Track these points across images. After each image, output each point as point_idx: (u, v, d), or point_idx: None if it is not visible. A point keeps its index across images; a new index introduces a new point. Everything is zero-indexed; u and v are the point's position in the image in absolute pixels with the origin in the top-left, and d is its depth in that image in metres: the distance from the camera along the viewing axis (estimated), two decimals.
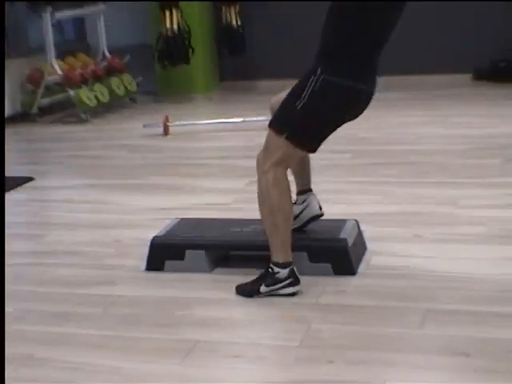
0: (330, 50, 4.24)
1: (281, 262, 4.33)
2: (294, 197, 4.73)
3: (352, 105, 4.29)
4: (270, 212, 4.32)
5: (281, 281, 4.32)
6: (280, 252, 4.34)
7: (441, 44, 10.68)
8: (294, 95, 4.23)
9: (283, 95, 4.40)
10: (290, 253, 4.36)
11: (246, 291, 4.42)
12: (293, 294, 4.33)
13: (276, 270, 4.32)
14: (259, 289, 4.37)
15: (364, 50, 4.24)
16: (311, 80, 4.12)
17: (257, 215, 4.43)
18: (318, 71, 4.12)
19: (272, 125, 4.31)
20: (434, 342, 3.66)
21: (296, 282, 4.34)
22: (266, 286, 4.36)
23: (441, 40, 10.66)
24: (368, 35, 4.21)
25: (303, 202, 4.79)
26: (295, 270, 4.35)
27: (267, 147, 4.34)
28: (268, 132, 4.33)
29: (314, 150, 4.39)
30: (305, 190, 4.83)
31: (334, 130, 4.32)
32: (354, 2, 4.05)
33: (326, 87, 4.12)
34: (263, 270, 4.40)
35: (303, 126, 4.24)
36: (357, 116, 4.35)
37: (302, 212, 4.77)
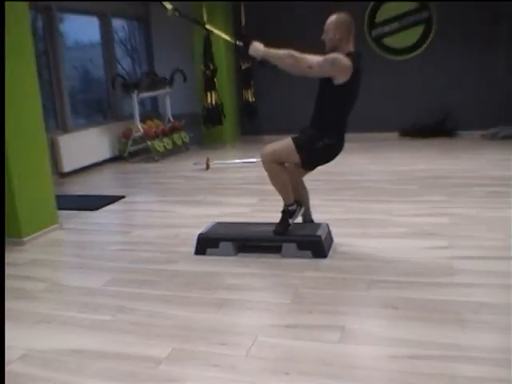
0: (326, 120, 4.45)
1: (289, 202, 4.65)
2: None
3: (334, 152, 4.55)
4: (278, 181, 4.61)
5: (294, 210, 4.69)
6: (288, 197, 4.66)
7: (379, 112, 10.65)
8: (314, 139, 4.43)
9: (270, 145, 4.65)
10: (292, 196, 4.67)
11: (279, 231, 4.69)
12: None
13: (289, 207, 4.66)
14: (288, 221, 4.69)
15: (344, 119, 4.50)
16: (322, 141, 4.39)
17: (263, 220, 4.62)
18: (326, 139, 4.39)
19: (298, 143, 4.47)
20: (375, 300, 3.85)
21: (301, 207, 4.78)
22: (289, 217, 4.68)
23: (379, 110, 10.63)
24: (345, 109, 4.46)
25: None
26: (298, 201, 4.74)
27: (278, 149, 4.58)
28: (288, 141, 4.53)
29: (308, 169, 4.77)
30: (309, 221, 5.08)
31: (323, 164, 4.66)
32: (339, 91, 4.24)
33: (328, 147, 4.44)
34: (282, 212, 4.71)
35: (312, 156, 4.50)
36: (334, 158, 4.63)
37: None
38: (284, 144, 4.53)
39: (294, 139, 4.49)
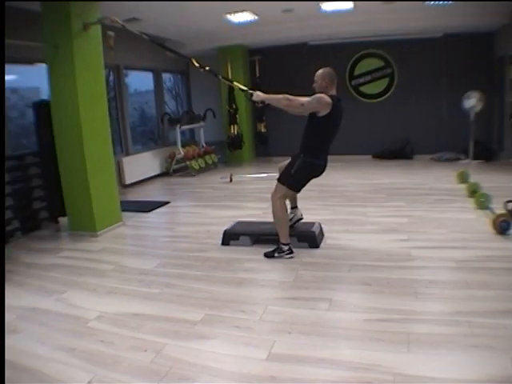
0: (308, 144, 4.40)
1: (284, 242, 4.51)
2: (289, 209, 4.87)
3: (315, 172, 4.47)
4: (278, 218, 4.52)
5: (284, 251, 4.50)
6: (284, 237, 4.51)
7: (357, 140, 10.65)
8: (289, 166, 4.42)
9: (283, 163, 4.61)
10: (288, 238, 4.52)
11: (269, 255, 4.53)
12: (290, 258, 4.44)
13: (282, 246, 4.50)
14: (274, 254, 4.52)
15: (324, 145, 4.44)
16: (299, 159, 4.35)
17: (272, 220, 4.55)
18: (302, 155, 4.35)
19: (279, 180, 4.50)
20: (354, 279, 3.87)
21: (291, 252, 4.50)
22: (278, 253, 4.51)
23: (357, 138, 10.63)
24: (327, 136, 4.42)
25: (293, 212, 4.91)
26: (291, 246, 4.51)
27: (276, 190, 4.51)
28: (277, 183, 4.52)
29: (298, 191, 4.62)
30: (294, 206, 4.95)
31: (306, 183, 4.51)
32: (322, 121, 4.23)
33: (305, 163, 4.34)
34: (276, 246, 4.54)
35: (294, 181, 4.44)
36: (318, 176, 4.51)
37: (293, 217, 4.88)
38: (277, 187, 4.50)
39: (278, 180, 4.52)
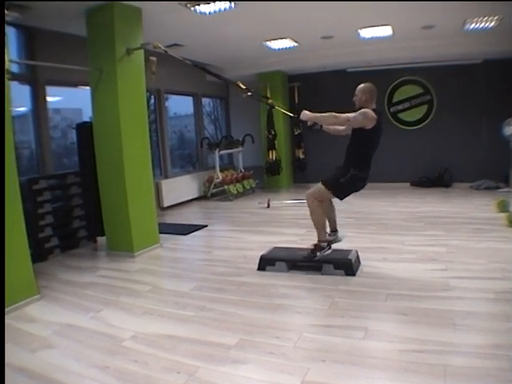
0: (355, 158, 4.45)
1: (322, 239, 4.65)
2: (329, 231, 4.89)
3: (361, 184, 4.52)
4: (315, 217, 4.61)
5: (323, 248, 4.64)
6: (321, 235, 4.65)
7: (396, 168, 10.60)
8: (339, 175, 4.46)
9: (311, 190, 4.67)
10: (326, 234, 4.69)
11: (310, 257, 4.67)
12: (329, 251, 4.66)
13: (321, 243, 4.65)
14: (316, 254, 4.65)
15: (369, 157, 4.49)
16: (350, 173, 4.38)
17: (308, 246, 4.56)
18: (352, 170, 4.39)
19: (324, 182, 4.54)
20: (390, 308, 3.79)
21: (330, 247, 4.69)
22: (318, 251, 4.65)
23: (396, 166, 10.58)
24: (372, 149, 4.48)
25: (333, 235, 4.88)
26: (329, 241, 4.72)
27: (315, 191, 4.59)
28: (320, 185, 4.56)
29: (342, 199, 4.62)
30: (334, 230, 4.92)
31: (352, 193, 4.57)
32: (367, 135, 4.30)
33: (355, 177, 4.40)
34: (314, 244, 4.71)
35: (341, 188, 4.49)
36: (360, 190, 4.57)
37: (334, 239, 4.87)
38: (318, 187, 4.56)
39: (322, 182, 4.56)
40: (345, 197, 4.59)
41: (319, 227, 4.65)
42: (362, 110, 4.26)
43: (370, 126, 4.25)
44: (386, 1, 6.04)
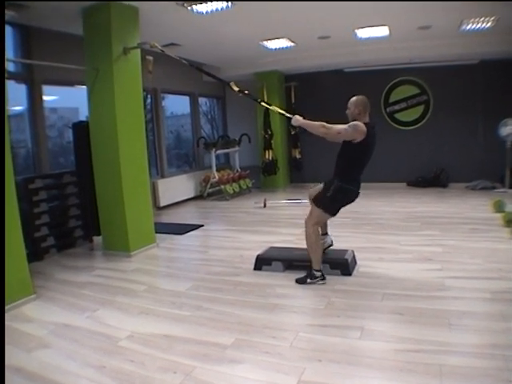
0: (342, 170, 4.40)
1: (316, 268, 4.48)
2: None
3: (350, 197, 4.44)
4: (311, 244, 4.48)
5: (316, 277, 4.47)
6: (316, 263, 4.48)
7: (392, 168, 10.62)
8: (325, 190, 4.40)
9: (313, 190, 4.66)
10: (320, 264, 4.49)
11: (301, 281, 4.50)
12: (322, 284, 4.40)
13: (314, 272, 4.48)
14: (306, 280, 4.48)
15: (358, 171, 4.44)
16: (334, 184, 4.32)
17: (305, 246, 4.53)
18: (336, 181, 4.33)
19: (315, 202, 4.47)
20: (386, 308, 3.80)
21: (324, 278, 4.47)
22: (310, 279, 4.47)
23: (392, 166, 10.60)
24: (361, 163, 4.42)
25: (322, 239, 4.81)
26: (323, 273, 4.48)
27: (311, 214, 4.49)
28: (312, 207, 4.49)
29: (333, 215, 4.51)
30: (324, 233, 4.90)
31: (341, 207, 4.46)
32: (356, 148, 4.24)
33: (340, 188, 4.31)
34: (308, 271, 4.52)
35: (329, 203, 4.38)
36: (352, 202, 4.47)
37: (323, 244, 4.78)
38: (311, 211, 4.49)
39: (316, 204, 4.47)
40: (335, 212, 4.50)
41: (314, 254, 4.51)
42: (353, 123, 4.22)
43: (359, 139, 4.20)
44: (383, 0, 6.05)
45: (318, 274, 4.47)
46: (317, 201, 4.47)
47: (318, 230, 4.55)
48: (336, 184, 4.33)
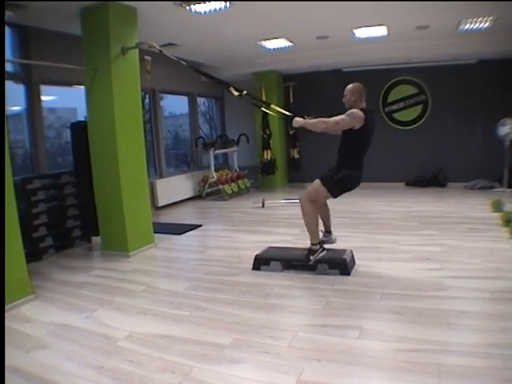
0: (346, 158, 4.50)
1: (315, 242, 4.64)
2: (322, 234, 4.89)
3: (355, 183, 4.54)
4: (309, 220, 4.61)
5: (316, 251, 4.63)
6: (313, 237, 4.65)
7: (391, 168, 10.64)
8: (333, 172, 4.49)
9: (305, 191, 4.68)
10: (318, 236, 4.67)
11: (305, 261, 4.65)
12: (324, 254, 4.65)
13: (312, 247, 4.64)
14: (310, 259, 4.63)
15: (361, 156, 4.53)
16: (341, 172, 4.42)
17: (303, 246, 4.56)
18: (343, 169, 4.43)
19: (322, 180, 4.52)
20: (385, 308, 3.80)
21: (324, 249, 4.68)
22: (313, 256, 4.62)
23: (391, 166, 10.61)
24: (363, 148, 4.51)
25: (327, 236, 4.95)
26: (321, 243, 4.70)
27: (311, 191, 4.60)
28: (316, 183, 4.56)
29: (335, 196, 4.58)
30: (328, 231, 4.98)
31: (345, 191, 4.56)
32: (357, 135, 4.34)
33: (348, 176, 4.43)
34: (307, 252, 4.69)
35: (336, 186, 4.47)
36: (354, 188, 4.56)
37: (327, 240, 4.93)
38: (314, 185, 4.58)
39: (320, 178, 4.55)
40: (338, 195, 4.58)
41: (311, 230, 4.65)
42: (349, 111, 4.32)
43: (358, 125, 4.29)
44: (381, 0, 6.05)
45: (316, 247, 4.62)
46: (324, 179, 4.52)
47: (312, 205, 4.60)
48: (344, 172, 4.42)
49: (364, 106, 4.43)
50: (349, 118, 4.27)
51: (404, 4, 6.23)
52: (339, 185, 4.48)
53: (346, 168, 4.44)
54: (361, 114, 4.27)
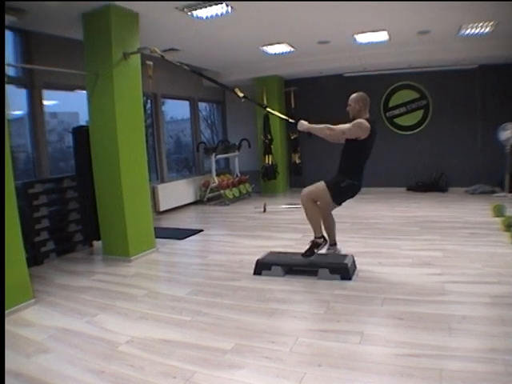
0: (349, 167, 4.56)
1: (317, 235, 4.73)
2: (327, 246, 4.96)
3: (355, 192, 4.63)
4: (311, 216, 4.71)
5: (320, 244, 4.73)
6: (316, 230, 4.73)
7: (392, 173, 10.64)
8: (339, 180, 4.55)
9: (307, 189, 4.76)
10: (321, 230, 4.76)
11: (308, 254, 4.75)
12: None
13: (317, 240, 4.72)
14: (314, 251, 4.74)
15: (362, 166, 4.60)
16: (345, 182, 4.49)
17: (304, 250, 4.53)
18: (347, 179, 4.51)
19: (327, 184, 4.59)
20: (386, 313, 3.79)
21: (326, 241, 4.80)
22: (316, 247, 4.74)
23: (392, 171, 10.62)
24: (365, 158, 4.58)
25: (333, 249, 4.99)
26: (324, 236, 4.79)
27: (313, 190, 4.68)
28: (321, 184, 4.63)
29: (339, 204, 4.71)
30: (333, 244, 5.02)
31: (347, 199, 4.69)
32: (361, 145, 4.39)
33: (350, 185, 4.52)
34: (310, 244, 4.77)
35: (340, 193, 4.57)
36: (355, 195, 4.67)
37: (333, 252, 5.00)
38: (317, 185, 4.64)
39: (325, 181, 4.60)
40: (342, 202, 4.66)
41: (314, 224, 4.72)
42: (357, 121, 4.35)
43: (364, 136, 4.34)
44: (382, 0, 6.03)
45: (320, 240, 4.71)
46: (331, 184, 4.58)
47: (315, 204, 4.68)
48: (349, 181, 4.49)
49: (368, 115, 4.47)
50: (355, 129, 4.33)
51: (405, 9, 6.23)
52: (343, 192, 4.56)
53: (349, 177, 4.50)
54: (367, 125, 4.31)
